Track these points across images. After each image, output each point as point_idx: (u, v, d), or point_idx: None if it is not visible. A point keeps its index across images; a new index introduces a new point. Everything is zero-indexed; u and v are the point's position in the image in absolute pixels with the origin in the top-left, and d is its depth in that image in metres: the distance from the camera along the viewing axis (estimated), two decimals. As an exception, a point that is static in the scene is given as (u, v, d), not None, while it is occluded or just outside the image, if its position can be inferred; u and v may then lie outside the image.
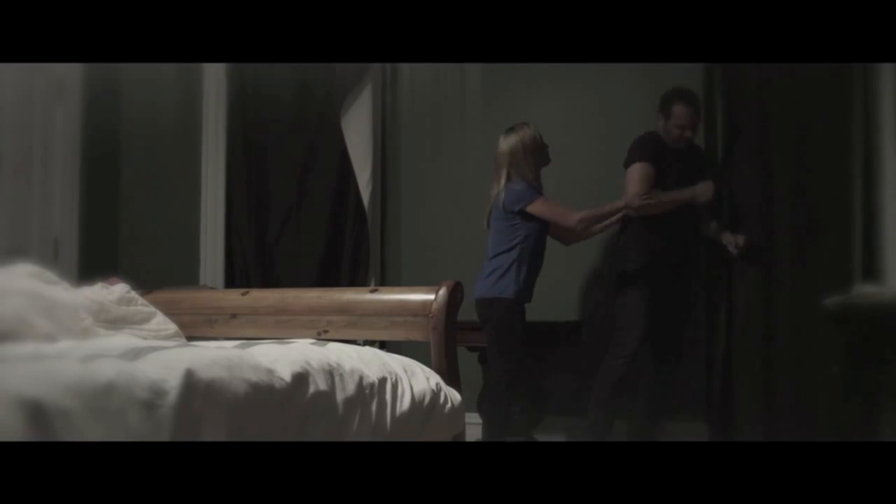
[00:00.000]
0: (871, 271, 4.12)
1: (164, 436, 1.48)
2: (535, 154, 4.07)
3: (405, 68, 5.16)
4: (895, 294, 3.52)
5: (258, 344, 2.18)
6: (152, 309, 2.72)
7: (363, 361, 2.23)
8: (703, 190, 4.14)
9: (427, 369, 2.49)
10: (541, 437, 4.43)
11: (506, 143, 4.08)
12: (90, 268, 4.75)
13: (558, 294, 4.60)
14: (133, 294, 2.72)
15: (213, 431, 1.60)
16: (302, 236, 5.21)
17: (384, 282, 5.11)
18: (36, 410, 1.28)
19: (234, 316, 3.05)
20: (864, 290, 3.74)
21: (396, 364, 2.36)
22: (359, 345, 2.50)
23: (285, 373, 1.87)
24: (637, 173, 4.12)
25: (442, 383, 2.48)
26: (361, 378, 2.12)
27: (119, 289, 2.70)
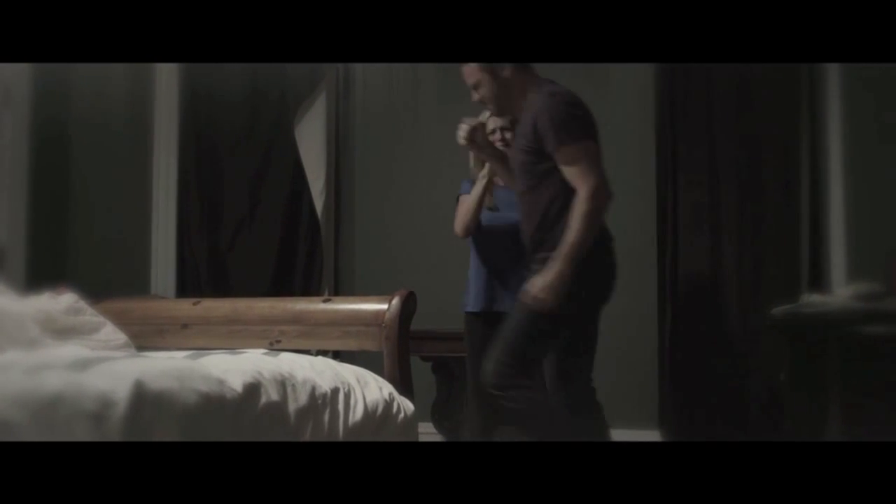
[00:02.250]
0: (818, 281, 4.19)
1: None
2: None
3: (359, 77, 5.15)
4: (841, 304, 3.59)
5: (210, 354, 2.17)
6: (101, 319, 2.69)
7: (316, 371, 2.22)
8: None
9: (380, 379, 2.49)
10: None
11: None
12: (37, 277, 4.66)
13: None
14: (82, 304, 2.69)
15: (163, 443, 1.59)
16: (255, 245, 5.17)
17: (337, 291, 5.09)
18: (-20, 423, 1.27)
19: (185, 326, 3.03)
20: (811, 300, 3.81)
21: (349, 374, 2.36)
22: (312, 355, 2.50)
23: (237, 383, 1.86)
24: None
25: (395, 393, 2.48)
26: (314, 388, 2.12)
27: (67, 298, 2.67)
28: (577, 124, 2.96)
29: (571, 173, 2.90)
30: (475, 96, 3.18)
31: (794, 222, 4.31)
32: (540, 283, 2.89)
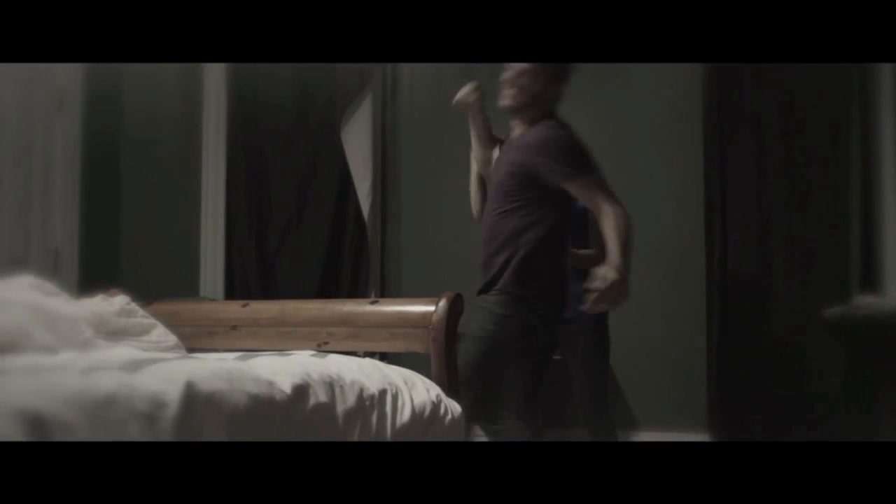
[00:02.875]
0: (871, 282, 4.12)
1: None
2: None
3: (405, 79, 5.17)
4: (894, 305, 3.53)
5: (258, 356, 2.19)
6: (152, 320, 2.72)
7: (363, 373, 2.23)
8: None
9: (427, 381, 2.49)
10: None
11: None
12: (90, 279, 4.74)
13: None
14: (133, 306, 2.72)
15: (214, 443, 1.60)
16: (302, 247, 5.21)
17: (384, 293, 5.11)
18: (36, 423, 1.28)
19: (234, 328, 3.06)
20: (864, 301, 3.75)
21: (397, 376, 2.36)
22: (359, 356, 2.50)
23: (286, 385, 1.87)
24: None
25: (442, 395, 2.47)
26: (362, 390, 2.12)
27: (119, 300, 2.70)
28: (582, 158, 3.04)
29: (588, 201, 3.01)
30: (506, 87, 3.18)
31: (846, 221, 4.24)
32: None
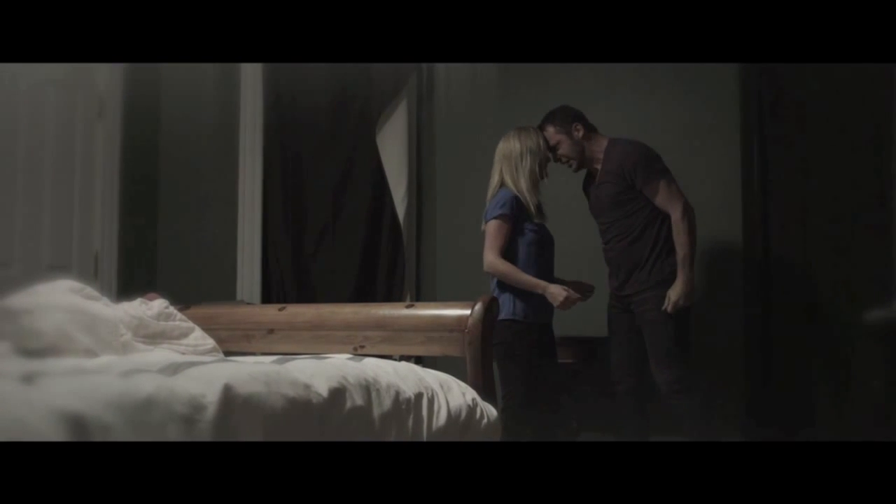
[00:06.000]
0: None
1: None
2: (537, 161, 3.79)
3: (441, 84, 5.17)
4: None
5: (295, 359, 2.20)
6: (190, 324, 2.75)
7: (399, 376, 2.23)
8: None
9: (463, 384, 2.49)
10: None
11: (505, 143, 3.88)
12: (129, 283, 4.81)
13: (590, 309, 4.52)
14: (171, 309, 2.75)
15: (251, 446, 1.61)
16: (338, 251, 5.23)
17: (419, 297, 5.11)
18: (77, 424, 1.30)
19: (271, 331, 3.07)
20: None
21: (432, 379, 2.36)
22: (395, 360, 2.51)
23: (322, 388, 1.88)
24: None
25: (478, 398, 2.47)
26: (398, 393, 2.13)
27: (158, 304, 2.73)
28: (654, 165, 3.73)
29: (661, 201, 3.69)
30: (556, 154, 3.90)
31: (888, 223, 4.18)
32: (677, 293, 3.59)
